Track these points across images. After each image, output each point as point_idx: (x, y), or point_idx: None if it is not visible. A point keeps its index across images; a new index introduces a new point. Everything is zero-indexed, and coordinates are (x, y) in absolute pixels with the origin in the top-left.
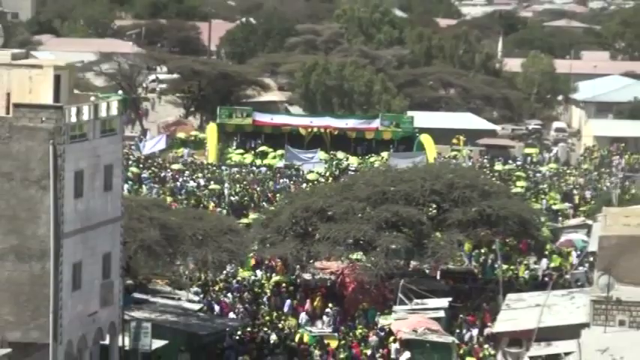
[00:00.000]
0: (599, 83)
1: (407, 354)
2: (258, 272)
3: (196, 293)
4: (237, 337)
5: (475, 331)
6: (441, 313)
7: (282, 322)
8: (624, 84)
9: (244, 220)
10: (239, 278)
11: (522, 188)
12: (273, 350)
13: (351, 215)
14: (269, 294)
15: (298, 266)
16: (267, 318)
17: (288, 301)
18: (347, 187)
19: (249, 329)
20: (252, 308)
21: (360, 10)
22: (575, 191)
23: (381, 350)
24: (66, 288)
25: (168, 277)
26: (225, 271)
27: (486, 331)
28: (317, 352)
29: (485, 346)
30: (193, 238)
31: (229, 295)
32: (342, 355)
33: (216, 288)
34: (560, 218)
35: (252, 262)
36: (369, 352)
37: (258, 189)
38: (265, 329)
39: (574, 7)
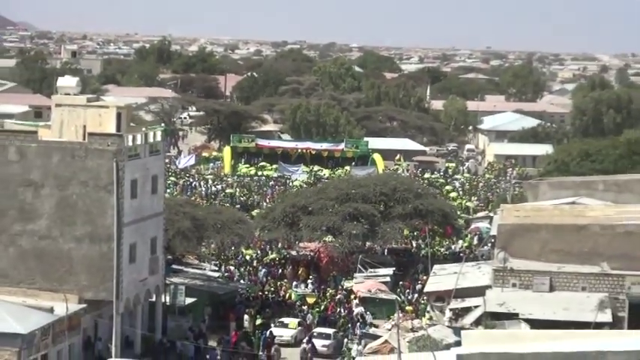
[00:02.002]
0: (498, 118)
1: (361, 308)
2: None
3: (216, 265)
4: (246, 296)
5: (416, 295)
6: (388, 279)
7: (282, 286)
8: (515, 118)
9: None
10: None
11: (452, 192)
12: (269, 305)
13: (325, 210)
14: (266, 267)
15: (279, 244)
16: (272, 285)
17: (264, 270)
18: (322, 190)
19: (260, 292)
20: (258, 277)
21: (331, 67)
22: (480, 193)
23: (345, 305)
24: (125, 261)
25: (196, 253)
26: (233, 249)
27: (418, 287)
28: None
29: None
30: (214, 226)
31: (239, 267)
32: (317, 308)
33: (232, 262)
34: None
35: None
36: (339, 309)
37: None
38: (265, 292)
39: (480, 64)
